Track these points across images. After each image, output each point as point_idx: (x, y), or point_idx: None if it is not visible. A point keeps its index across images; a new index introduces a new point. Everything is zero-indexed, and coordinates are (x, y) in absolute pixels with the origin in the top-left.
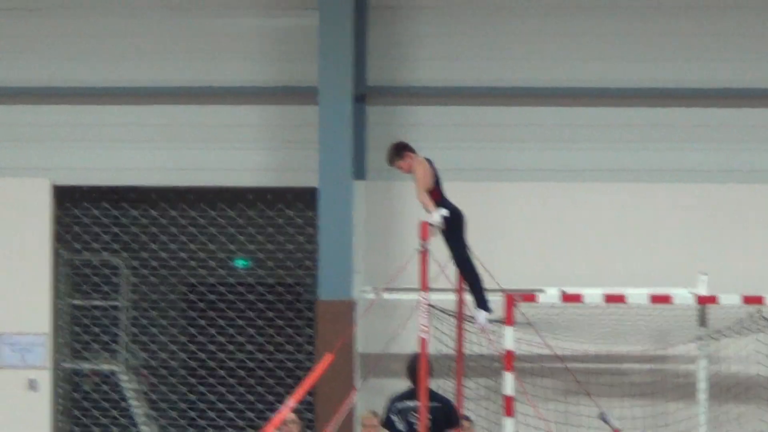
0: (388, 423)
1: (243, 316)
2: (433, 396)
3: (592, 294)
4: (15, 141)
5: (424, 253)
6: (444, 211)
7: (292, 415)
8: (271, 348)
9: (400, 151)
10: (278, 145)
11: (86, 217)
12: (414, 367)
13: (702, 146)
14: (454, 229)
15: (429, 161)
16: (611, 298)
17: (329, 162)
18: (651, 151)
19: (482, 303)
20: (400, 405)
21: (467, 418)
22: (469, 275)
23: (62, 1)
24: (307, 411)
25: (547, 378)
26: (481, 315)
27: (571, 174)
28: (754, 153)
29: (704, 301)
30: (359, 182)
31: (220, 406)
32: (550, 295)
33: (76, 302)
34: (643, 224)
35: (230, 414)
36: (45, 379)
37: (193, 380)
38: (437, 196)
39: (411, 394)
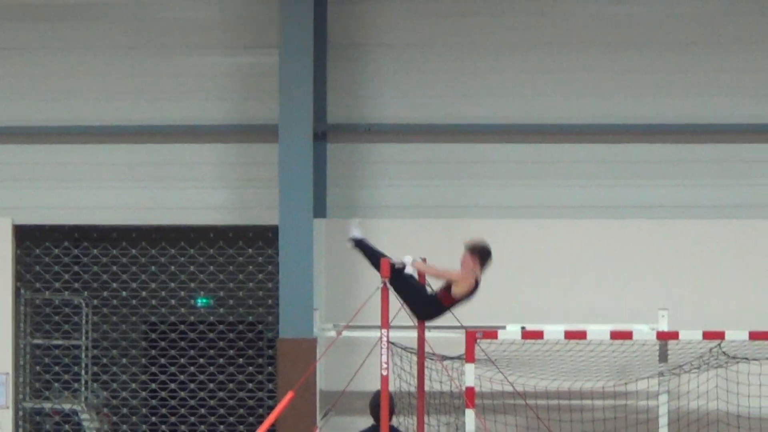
0: None
1: (204, 354)
2: None
3: (553, 330)
4: None
5: (384, 291)
6: (408, 258)
7: None
8: (232, 386)
9: (475, 252)
10: (239, 184)
11: (47, 256)
12: (376, 404)
13: (662, 182)
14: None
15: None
16: (572, 335)
17: (290, 200)
18: (612, 188)
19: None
20: None
21: None
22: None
23: (22, 40)
24: None
25: (508, 415)
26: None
27: (532, 211)
28: (714, 189)
29: (665, 336)
30: (320, 220)
31: None
32: (511, 331)
33: (38, 341)
34: (604, 260)
35: None
36: (6, 418)
37: (154, 419)
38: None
39: (373, 431)
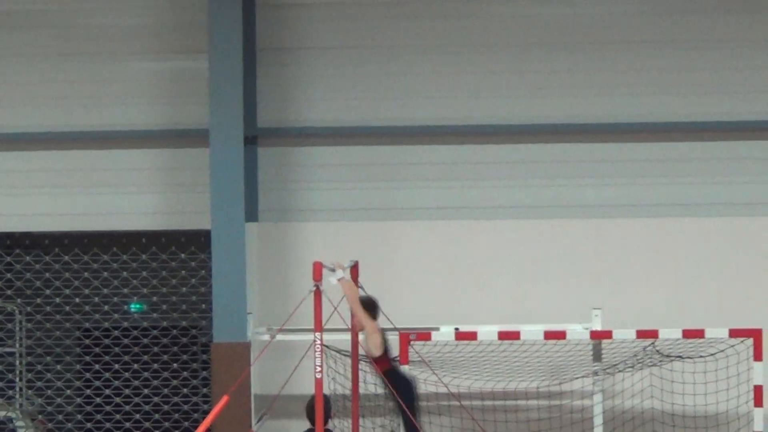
0: None
1: (138, 359)
2: None
3: (487, 331)
4: None
5: (317, 294)
6: (339, 273)
7: None
8: (167, 391)
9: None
10: (171, 189)
11: None
12: (312, 407)
13: (593, 181)
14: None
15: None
16: (505, 335)
17: (221, 204)
18: (541, 188)
19: None
20: None
21: None
22: None
23: None
24: None
25: (443, 416)
26: None
27: (463, 212)
28: (646, 187)
29: (598, 336)
30: (251, 224)
31: None
32: (445, 333)
33: None
34: (536, 260)
35: None
36: None
37: (89, 425)
38: (384, 365)
39: None
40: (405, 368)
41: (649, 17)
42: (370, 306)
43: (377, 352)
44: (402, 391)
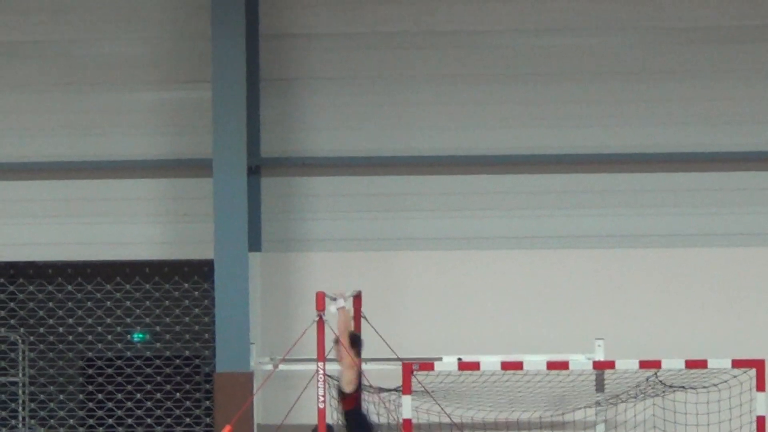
0: None
1: (141, 389)
2: None
3: (490, 361)
4: None
5: (320, 323)
6: (341, 302)
7: None
8: (170, 421)
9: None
10: (174, 218)
11: None
12: None
13: (596, 212)
14: None
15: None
16: (508, 365)
17: (224, 234)
18: (544, 218)
19: None
20: None
21: None
22: None
23: None
24: None
25: None
26: None
27: (466, 242)
28: (648, 218)
29: (601, 366)
30: (255, 254)
31: None
32: (447, 363)
33: None
34: (539, 290)
35: None
36: None
37: None
38: (350, 403)
39: None
40: (368, 411)
41: (659, 47)
42: (355, 341)
43: (348, 388)
44: (358, 427)
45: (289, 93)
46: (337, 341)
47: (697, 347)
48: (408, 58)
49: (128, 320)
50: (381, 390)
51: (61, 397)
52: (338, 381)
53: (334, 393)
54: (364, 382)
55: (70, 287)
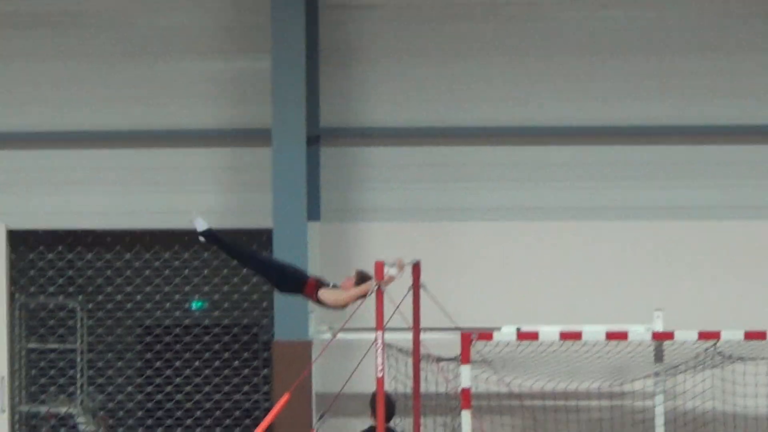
0: None
1: (199, 357)
2: None
3: (548, 332)
4: None
5: (379, 293)
6: (393, 271)
7: None
8: (227, 389)
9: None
10: (233, 188)
11: (42, 260)
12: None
13: (657, 184)
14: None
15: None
16: (567, 335)
17: (283, 204)
18: (607, 189)
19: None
20: None
21: None
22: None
23: (15, 48)
24: None
25: (504, 415)
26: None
27: (526, 213)
28: (710, 190)
29: (660, 337)
30: (313, 223)
31: None
32: (506, 333)
33: (33, 345)
34: (600, 261)
35: None
36: (2, 422)
37: (150, 422)
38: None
39: None
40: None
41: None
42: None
43: (322, 301)
44: (287, 279)
45: (349, 63)
46: (359, 280)
47: (757, 318)
48: (468, 29)
49: (186, 288)
50: (439, 359)
51: (119, 364)
52: (327, 298)
53: (393, 362)
54: (423, 351)
55: (128, 255)
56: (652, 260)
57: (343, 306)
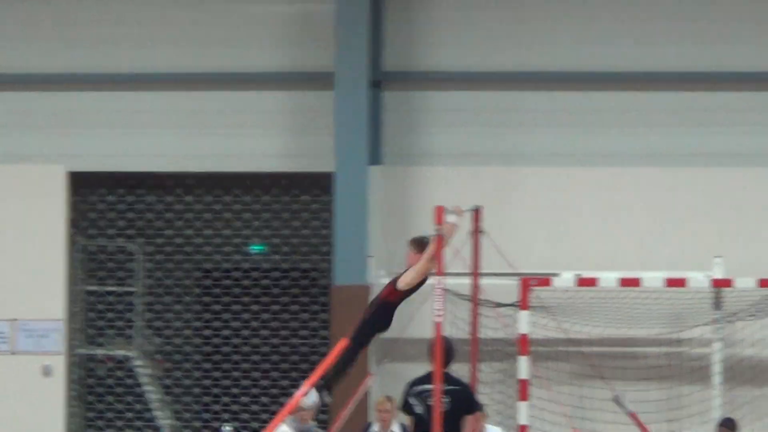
0: (406, 406)
1: (258, 301)
2: (452, 380)
3: (607, 278)
4: (30, 128)
5: (439, 237)
6: (453, 218)
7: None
8: (286, 333)
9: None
10: (295, 131)
11: (101, 203)
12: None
13: (718, 130)
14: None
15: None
16: (626, 282)
17: (345, 147)
18: (665, 136)
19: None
20: (418, 388)
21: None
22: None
23: None
24: None
25: (561, 362)
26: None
27: (585, 158)
28: None
29: (719, 284)
30: (375, 167)
31: (235, 391)
32: (565, 279)
33: (91, 288)
34: (659, 208)
35: (245, 399)
36: (60, 364)
37: (207, 365)
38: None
39: (429, 378)
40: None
41: None
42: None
43: (403, 285)
44: (380, 317)
45: (412, 7)
46: (419, 246)
47: None
48: None
49: (246, 232)
50: (498, 305)
51: (178, 307)
52: (403, 279)
53: (451, 307)
54: (482, 297)
55: (188, 198)
56: (712, 207)
57: (424, 276)
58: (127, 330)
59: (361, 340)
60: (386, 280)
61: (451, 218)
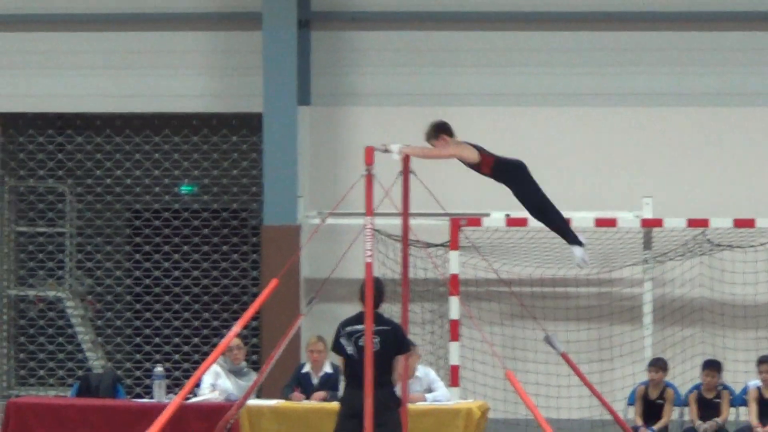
0: (337, 347)
1: (188, 241)
2: (382, 320)
3: None
4: None
5: (368, 178)
6: (395, 147)
7: (238, 341)
8: (216, 273)
9: (437, 132)
10: (223, 71)
11: (31, 144)
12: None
13: (647, 70)
14: (521, 180)
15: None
16: None
17: (274, 88)
18: (596, 76)
19: (574, 239)
20: (349, 329)
21: (412, 343)
22: (552, 216)
23: None
24: (252, 336)
25: (492, 302)
26: (578, 251)
27: (516, 98)
28: (699, 77)
29: (649, 224)
30: (304, 108)
31: (166, 332)
32: (495, 219)
33: (22, 229)
34: (588, 148)
35: (176, 340)
36: None
37: (138, 306)
38: (489, 162)
39: (360, 319)
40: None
41: None
42: (444, 129)
43: (474, 159)
44: (516, 169)
45: None
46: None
47: (746, 206)
48: None
49: (176, 173)
50: (428, 245)
51: (108, 248)
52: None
53: (381, 247)
54: (412, 237)
55: (118, 139)
56: (642, 147)
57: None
58: (58, 271)
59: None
60: (316, 221)
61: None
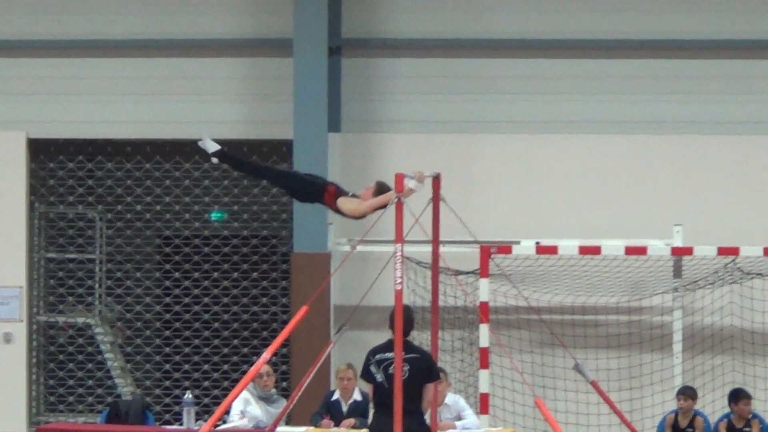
0: (366, 374)
1: (218, 268)
2: (412, 348)
3: (567, 245)
4: None
5: (399, 205)
6: (412, 183)
7: (267, 368)
8: (246, 300)
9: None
10: (254, 98)
11: (61, 170)
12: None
13: (679, 98)
14: None
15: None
16: (586, 250)
17: (304, 114)
18: (627, 103)
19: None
20: (378, 357)
21: (442, 371)
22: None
23: None
24: (282, 363)
25: (522, 330)
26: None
27: (546, 126)
28: (731, 105)
29: (679, 252)
30: (334, 134)
31: (195, 358)
32: (525, 246)
33: (51, 255)
34: (619, 175)
35: (205, 366)
36: (20, 331)
37: (167, 333)
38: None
39: (389, 346)
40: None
41: None
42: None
43: (339, 207)
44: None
45: None
46: (379, 190)
47: None
48: None
49: (206, 199)
50: (458, 272)
51: (138, 275)
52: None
53: (411, 274)
54: (442, 265)
55: (148, 165)
56: (673, 175)
57: (361, 216)
58: (88, 297)
59: (269, 171)
60: (347, 248)
61: (410, 183)
